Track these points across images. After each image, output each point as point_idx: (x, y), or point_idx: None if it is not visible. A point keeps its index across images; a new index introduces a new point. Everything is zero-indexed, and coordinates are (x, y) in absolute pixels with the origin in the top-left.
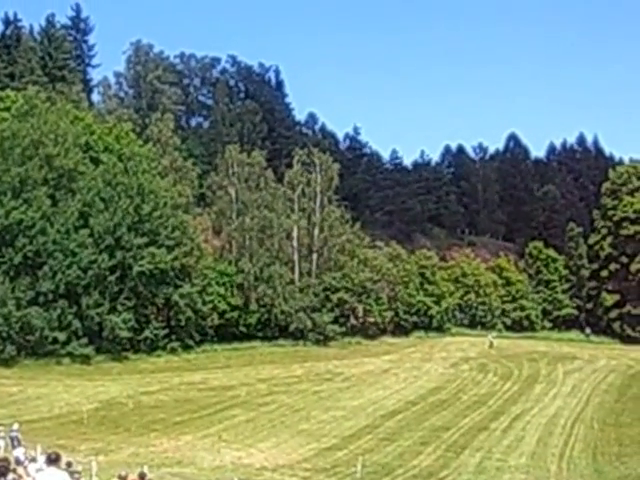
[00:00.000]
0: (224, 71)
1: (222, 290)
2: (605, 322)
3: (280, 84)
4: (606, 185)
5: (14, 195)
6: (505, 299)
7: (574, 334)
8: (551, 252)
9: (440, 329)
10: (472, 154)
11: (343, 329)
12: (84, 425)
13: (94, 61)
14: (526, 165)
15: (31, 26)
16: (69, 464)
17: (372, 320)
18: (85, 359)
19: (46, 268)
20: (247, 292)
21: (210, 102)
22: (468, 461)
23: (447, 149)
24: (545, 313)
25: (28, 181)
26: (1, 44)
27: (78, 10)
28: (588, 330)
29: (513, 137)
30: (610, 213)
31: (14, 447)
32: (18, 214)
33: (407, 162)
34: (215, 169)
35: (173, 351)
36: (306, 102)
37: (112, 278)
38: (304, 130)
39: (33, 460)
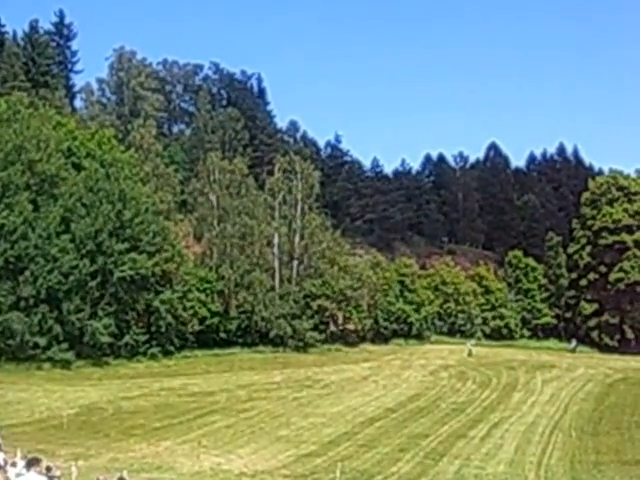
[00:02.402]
0: (206, 78)
1: (203, 296)
2: (583, 331)
3: (262, 92)
4: (585, 195)
5: None
6: (484, 307)
7: (553, 343)
8: (530, 261)
9: (419, 337)
10: (452, 163)
11: (323, 336)
12: (64, 430)
13: (77, 67)
14: (506, 174)
15: (14, 31)
16: (49, 468)
17: (352, 327)
18: (65, 364)
19: (27, 273)
20: (227, 298)
21: (192, 109)
22: (446, 468)
23: (428, 158)
24: (524, 322)
25: (10, 186)
26: None
27: (62, 16)
28: (574, 342)
29: (493, 146)
30: (589, 223)
31: None
32: (0, 219)
33: (388, 170)
34: (196, 176)
35: (153, 357)
36: (288, 110)
37: (93, 283)
38: (285, 138)
39: (13, 465)
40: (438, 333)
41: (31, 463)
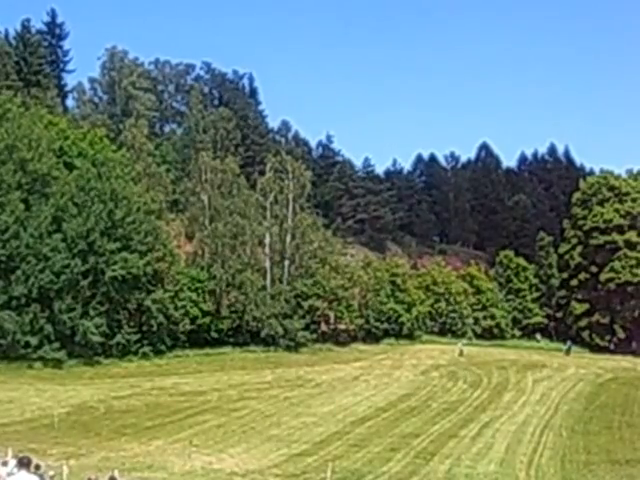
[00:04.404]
0: (198, 78)
1: (194, 296)
2: (574, 331)
3: (254, 91)
4: (576, 195)
5: None
6: (475, 307)
7: (543, 342)
8: (521, 261)
9: (411, 336)
10: (444, 163)
11: (314, 336)
12: (55, 429)
13: (69, 66)
14: (497, 174)
15: (6, 30)
16: (38, 467)
17: (343, 327)
18: (57, 363)
19: (19, 272)
20: (219, 298)
21: (184, 109)
22: (437, 468)
23: (419, 158)
24: (515, 321)
25: (2, 185)
26: None
27: (54, 15)
28: (569, 344)
29: (485, 147)
30: (580, 223)
31: None
32: None
33: (379, 170)
34: (188, 175)
35: (145, 356)
36: (279, 110)
37: (85, 283)
38: (277, 137)
39: (4, 464)
40: (429, 333)
41: (22, 462)
